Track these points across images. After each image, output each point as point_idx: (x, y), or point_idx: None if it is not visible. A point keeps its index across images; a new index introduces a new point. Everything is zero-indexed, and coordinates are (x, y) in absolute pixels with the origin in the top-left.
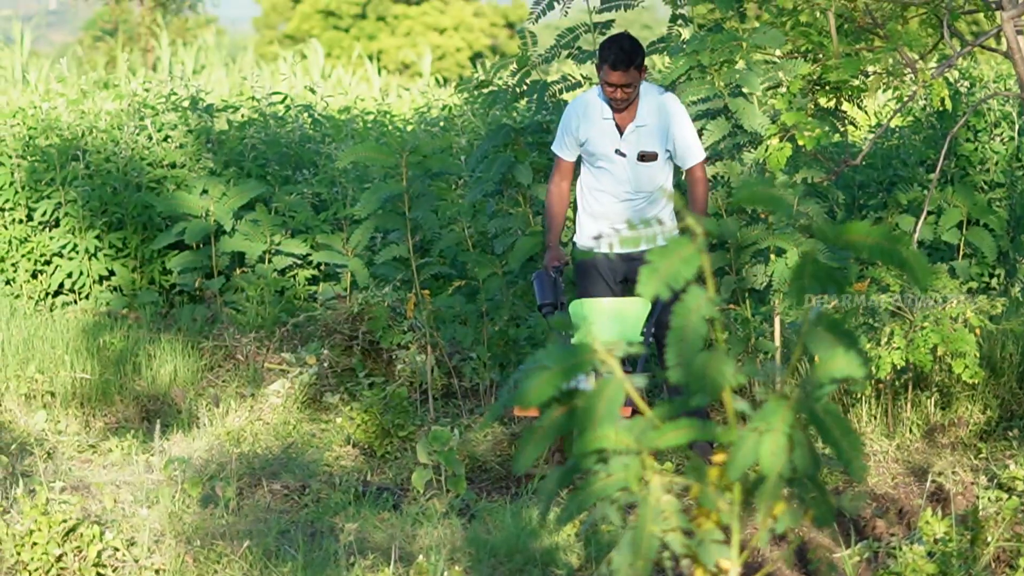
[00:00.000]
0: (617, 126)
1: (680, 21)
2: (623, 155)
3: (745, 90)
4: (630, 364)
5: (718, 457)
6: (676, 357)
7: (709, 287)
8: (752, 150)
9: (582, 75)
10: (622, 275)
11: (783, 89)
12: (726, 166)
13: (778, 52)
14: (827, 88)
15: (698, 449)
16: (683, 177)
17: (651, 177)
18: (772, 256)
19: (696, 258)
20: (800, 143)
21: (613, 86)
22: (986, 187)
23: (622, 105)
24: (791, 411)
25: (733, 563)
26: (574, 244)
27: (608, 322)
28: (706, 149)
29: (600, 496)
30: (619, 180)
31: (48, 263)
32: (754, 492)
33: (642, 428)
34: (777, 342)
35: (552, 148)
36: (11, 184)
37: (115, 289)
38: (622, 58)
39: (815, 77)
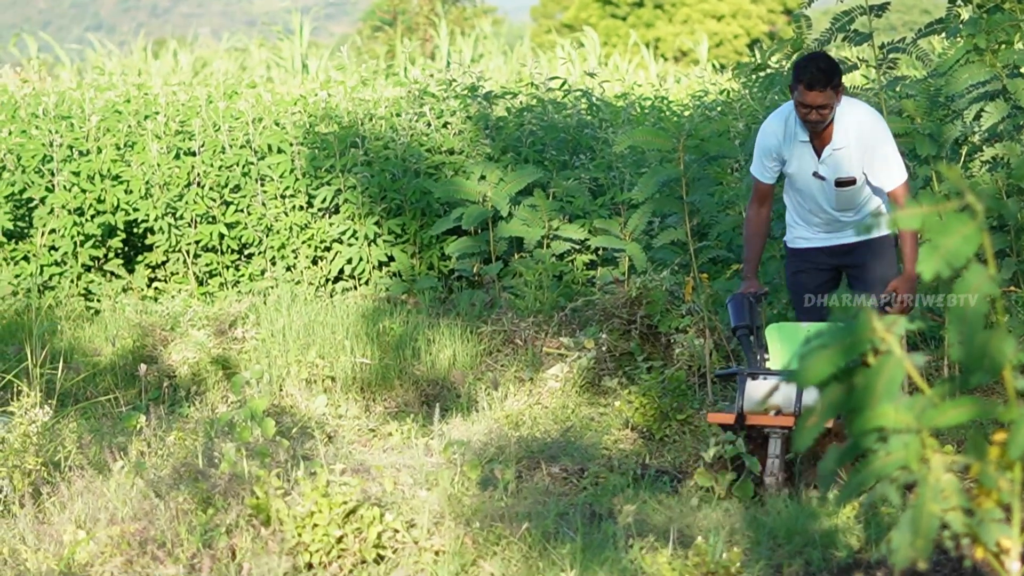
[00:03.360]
0: (815, 148)
1: (959, 2)
2: (822, 178)
3: None
4: None
5: (999, 436)
6: (957, 335)
7: (990, 266)
8: None
9: (858, 57)
10: (835, 265)
11: None
12: (1006, 147)
13: None
14: None
15: None
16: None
17: (852, 200)
18: None
19: (977, 236)
20: None
21: (808, 107)
22: None
23: (817, 127)
24: None
25: (1014, 542)
26: (785, 244)
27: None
28: (984, 131)
29: (879, 476)
30: (820, 202)
31: (328, 249)
32: None
33: (922, 406)
34: None
35: (751, 170)
36: (291, 171)
37: (394, 275)
38: (819, 78)
39: None
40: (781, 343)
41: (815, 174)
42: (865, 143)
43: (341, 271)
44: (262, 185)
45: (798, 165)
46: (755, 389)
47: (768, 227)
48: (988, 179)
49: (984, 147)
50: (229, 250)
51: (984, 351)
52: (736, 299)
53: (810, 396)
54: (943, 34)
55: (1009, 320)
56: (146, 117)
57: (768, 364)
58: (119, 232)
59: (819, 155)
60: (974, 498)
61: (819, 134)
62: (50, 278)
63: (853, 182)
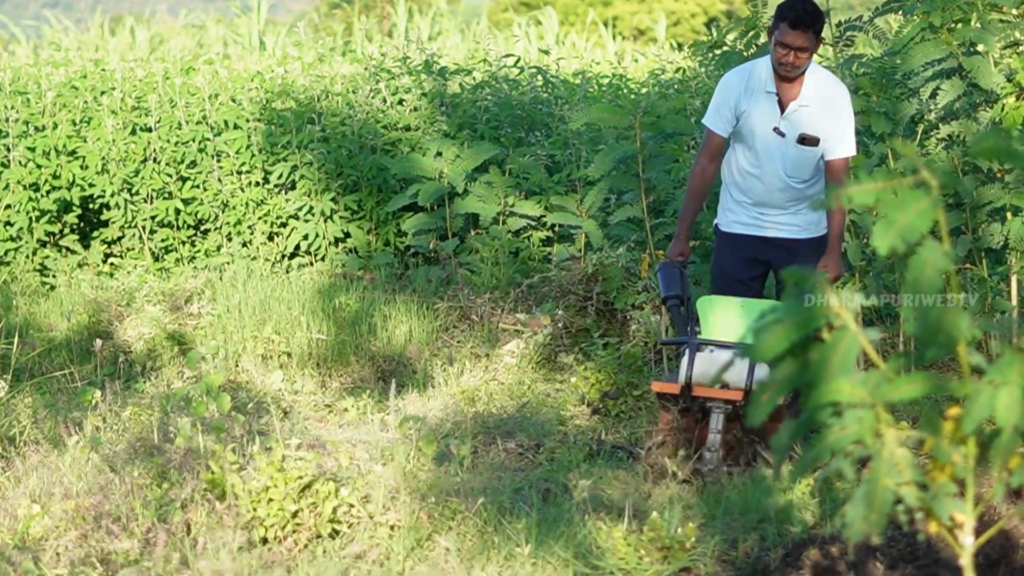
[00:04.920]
0: (780, 102)
1: None
2: (782, 135)
3: (980, 48)
4: None
5: (953, 411)
6: (911, 310)
7: (945, 242)
8: (988, 109)
9: None
10: (764, 259)
11: (1020, 48)
12: (961, 125)
13: (1014, 11)
14: None
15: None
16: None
17: (809, 163)
18: (1008, 215)
19: (932, 211)
20: None
21: (787, 48)
22: None
23: (791, 72)
24: None
25: (967, 517)
26: (716, 227)
27: (737, 320)
28: (940, 109)
29: (834, 450)
30: (775, 163)
31: (284, 225)
32: (989, 446)
33: (876, 381)
34: (1014, 301)
35: (704, 121)
36: (248, 147)
37: (351, 251)
38: (803, 18)
39: None
40: (713, 316)
41: (776, 129)
42: (832, 106)
43: (297, 247)
44: (218, 161)
45: (759, 119)
46: (703, 359)
47: (712, 186)
48: (944, 157)
49: (940, 125)
50: (185, 226)
51: (939, 326)
52: (666, 268)
53: (761, 371)
54: (900, 12)
55: (964, 297)
56: (102, 93)
57: (699, 336)
58: (75, 208)
59: (783, 110)
60: (928, 473)
61: (786, 88)
62: (5, 253)
63: (817, 142)
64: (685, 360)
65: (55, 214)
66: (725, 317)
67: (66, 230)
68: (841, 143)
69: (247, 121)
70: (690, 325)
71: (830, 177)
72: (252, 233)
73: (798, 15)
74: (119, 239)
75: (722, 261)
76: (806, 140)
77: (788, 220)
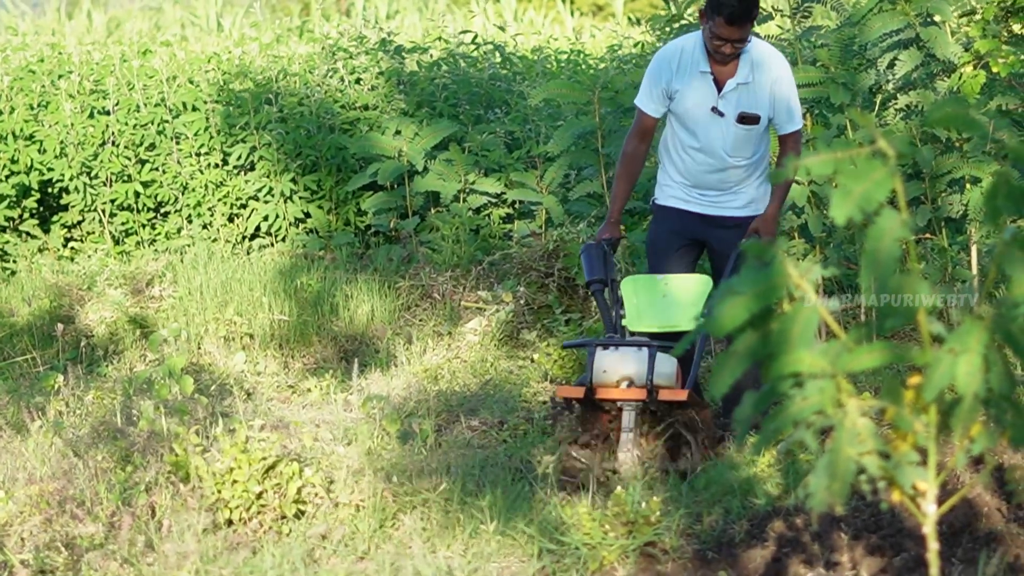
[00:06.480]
0: (715, 81)
1: None
2: (721, 115)
3: (937, 18)
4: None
5: (914, 379)
6: (869, 280)
7: (903, 211)
8: (945, 79)
9: (773, 7)
10: (701, 238)
11: (977, 17)
12: (919, 95)
13: None
14: (1021, 14)
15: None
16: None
17: (750, 142)
18: (967, 185)
19: (888, 180)
20: (994, 70)
21: (723, 40)
22: None
23: (728, 60)
24: (986, 332)
25: (930, 485)
26: (653, 202)
27: (663, 300)
28: (898, 80)
29: (796, 421)
30: (714, 143)
31: (244, 206)
32: (950, 414)
33: (837, 351)
34: (974, 270)
35: (636, 102)
36: (206, 129)
37: (311, 231)
38: (739, 12)
39: (1009, 3)
40: (637, 297)
41: (714, 109)
42: (770, 80)
43: (258, 228)
44: (177, 143)
45: (695, 99)
46: (605, 359)
47: (643, 167)
48: (902, 127)
49: (898, 95)
50: (145, 208)
51: (898, 295)
52: (590, 250)
53: (664, 367)
54: None
55: (925, 267)
56: (60, 76)
57: (624, 320)
58: (34, 192)
59: (720, 89)
60: (890, 442)
61: (723, 67)
62: None
63: (757, 120)
64: (588, 362)
65: (14, 199)
66: (648, 298)
67: (25, 215)
68: (790, 119)
69: (205, 103)
70: (615, 309)
71: (785, 151)
72: (212, 215)
73: (734, 11)
74: (79, 223)
75: (656, 235)
76: (746, 119)
77: (727, 200)
